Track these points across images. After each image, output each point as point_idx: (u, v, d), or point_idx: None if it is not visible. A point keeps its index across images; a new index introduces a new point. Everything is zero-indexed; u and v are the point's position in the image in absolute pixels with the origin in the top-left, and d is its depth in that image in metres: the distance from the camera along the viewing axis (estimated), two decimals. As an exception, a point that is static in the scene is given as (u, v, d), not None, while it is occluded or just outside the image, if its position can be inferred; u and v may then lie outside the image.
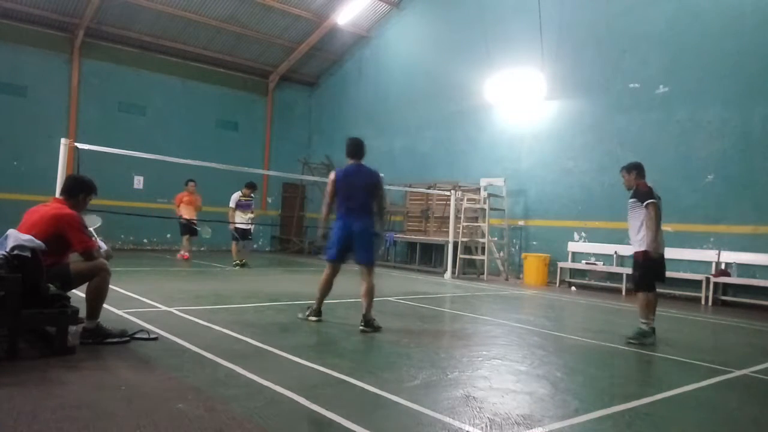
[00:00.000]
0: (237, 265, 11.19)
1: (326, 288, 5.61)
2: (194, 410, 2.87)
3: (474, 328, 5.97)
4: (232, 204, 11.35)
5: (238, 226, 11.29)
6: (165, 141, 14.70)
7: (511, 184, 12.63)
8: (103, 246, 4.37)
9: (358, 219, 5.39)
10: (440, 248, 13.26)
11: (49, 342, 3.86)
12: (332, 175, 5.54)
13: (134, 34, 15.01)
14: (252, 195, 11.61)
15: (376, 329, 5.27)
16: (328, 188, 5.55)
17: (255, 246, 17.24)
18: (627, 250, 10.61)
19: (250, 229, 11.79)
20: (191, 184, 12.26)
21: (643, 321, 5.34)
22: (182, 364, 3.76)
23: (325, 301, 5.70)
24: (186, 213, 12.06)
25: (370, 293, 5.33)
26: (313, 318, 5.61)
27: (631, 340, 5.31)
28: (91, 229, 4.41)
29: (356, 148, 5.55)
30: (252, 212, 11.74)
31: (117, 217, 11.40)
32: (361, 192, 5.43)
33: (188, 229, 12.17)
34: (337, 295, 7.58)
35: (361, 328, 5.25)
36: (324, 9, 15.64)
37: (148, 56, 15.57)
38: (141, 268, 10.25)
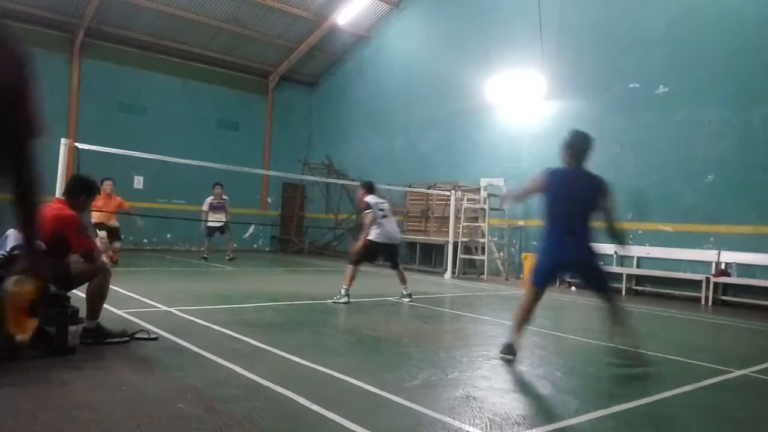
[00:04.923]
0: (204, 258, 12.20)
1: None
2: (194, 410, 2.87)
3: (474, 328, 5.97)
4: (204, 207, 12.37)
5: (209, 224, 12.25)
6: (165, 141, 14.67)
7: (511, 184, 12.62)
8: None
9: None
10: (440, 248, 13.26)
11: (49, 342, 3.85)
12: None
13: (134, 34, 15.00)
14: (224, 197, 12.25)
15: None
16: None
17: (255, 246, 17.34)
18: (627, 251, 10.63)
19: (220, 226, 12.48)
20: (107, 183, 9.90)
21: (344, 287, 6.84)
22: (182, 364, 3.76)
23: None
24: (100, 217, 9.80)
25: None
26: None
27: (334, 299, 6.83)
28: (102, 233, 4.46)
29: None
30: (225, 214, 12.42)
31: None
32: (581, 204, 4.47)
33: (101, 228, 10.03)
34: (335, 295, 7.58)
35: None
36: (324, 9, 15.63)
37: (148, 56, 15.55)
38: (141, 268, 10.25)
